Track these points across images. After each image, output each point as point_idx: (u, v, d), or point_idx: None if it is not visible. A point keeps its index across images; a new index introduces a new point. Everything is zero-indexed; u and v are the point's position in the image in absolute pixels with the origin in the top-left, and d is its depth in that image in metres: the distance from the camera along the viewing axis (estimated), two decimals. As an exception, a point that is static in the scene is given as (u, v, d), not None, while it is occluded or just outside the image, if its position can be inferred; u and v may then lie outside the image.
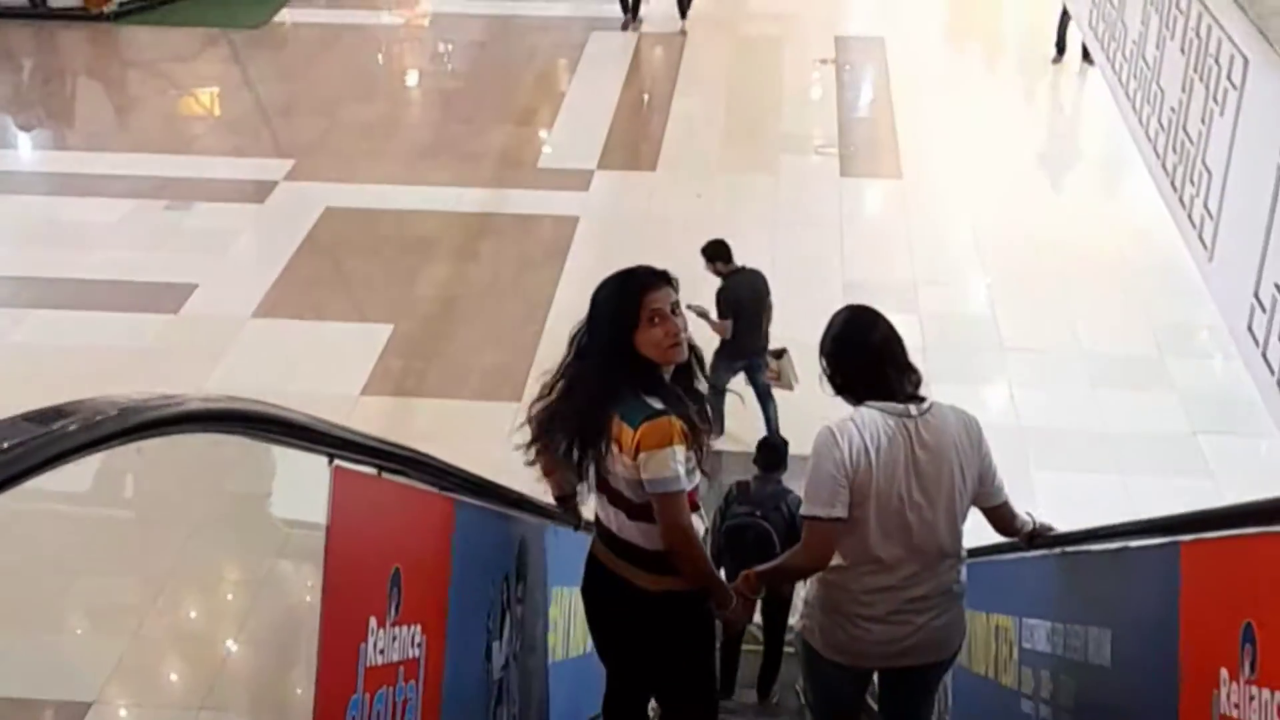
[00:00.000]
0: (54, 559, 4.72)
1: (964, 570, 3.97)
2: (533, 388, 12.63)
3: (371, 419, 9.99)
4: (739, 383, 9.85)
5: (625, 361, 3.62)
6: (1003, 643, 5.15)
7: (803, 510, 3.71)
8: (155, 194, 14.54)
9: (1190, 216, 7.42)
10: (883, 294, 12.67)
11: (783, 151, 16.07)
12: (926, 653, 3.90)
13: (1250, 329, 6.87)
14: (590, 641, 5.49)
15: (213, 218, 14.17)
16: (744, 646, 7.63)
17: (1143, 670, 3.44)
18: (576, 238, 13.98)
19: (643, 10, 19.63)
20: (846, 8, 21.37)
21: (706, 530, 3.84)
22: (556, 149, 16.46)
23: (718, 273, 9.84)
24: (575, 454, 3.62)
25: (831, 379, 3.84)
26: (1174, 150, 8.09)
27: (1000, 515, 4.04)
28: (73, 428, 1.75)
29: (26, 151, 16.85)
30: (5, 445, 1.63)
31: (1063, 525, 4.50)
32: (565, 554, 5.24)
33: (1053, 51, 18.02)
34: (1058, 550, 4.46)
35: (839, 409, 3.87)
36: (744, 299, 9.85)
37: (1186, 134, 7.59)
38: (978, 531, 4.71)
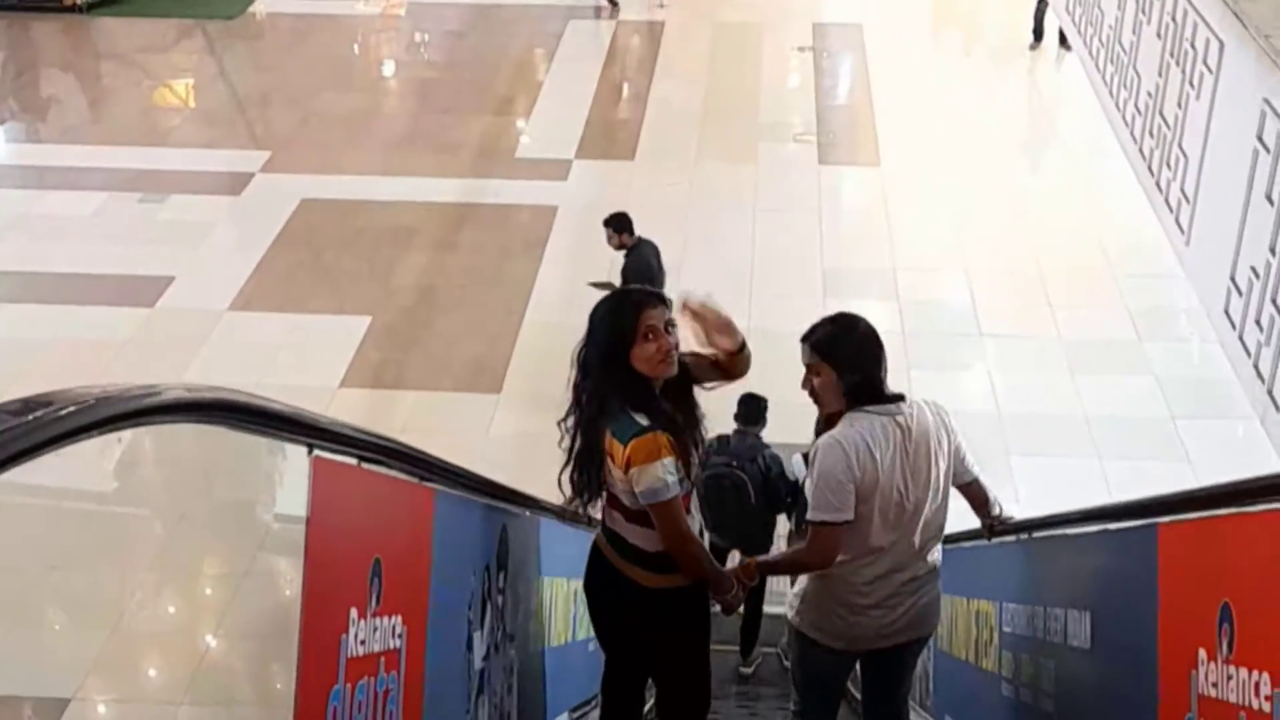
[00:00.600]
0: (32, 552, 4.70)
1: (940, 548, 4.18)
2: (512, 379, 12.64)
3: (351, 411, 9.96)
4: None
5: (620, 377, 3.79)
6: (983, 627, 5.17)
7: (812, 516, 3.88)
8: (130, 186, 14.47)
9: (1167, 200, 7.45)
10: (862, 281, 12.72)
11: (761, 139, 16.08)
12: (913, 630, 4.15)
13: (1227, 312, 6.90)
14: (574, 630, 5.51)
15: (188, 210, 14.11)
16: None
17: (1122, 652, 3.45)
18: (555, 227, 13.97)
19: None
20: (824, -6, 21.41)
21: (701, 530, 3.97)
22: (534, 138, 16.43)
23: (622, 244, 10.03)
24: (575, 466, 3.89)
25: (855, 388, 3.94)
26: (1150, 135, 8.12)
27: (973, 491, 4.29)
28: (50, 418, 1.74)
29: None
30: (-18, 436, 1.61)
31: (1040, 510, 4.51)
32: (549, 544, 5.24)
33: (1030, 38, 18.06)
34: (1037, 535, 4.47)
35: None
36: (654, 267, 10.03)
37: (1163, 118, 7.62)
38: (956, 519, 4.77)
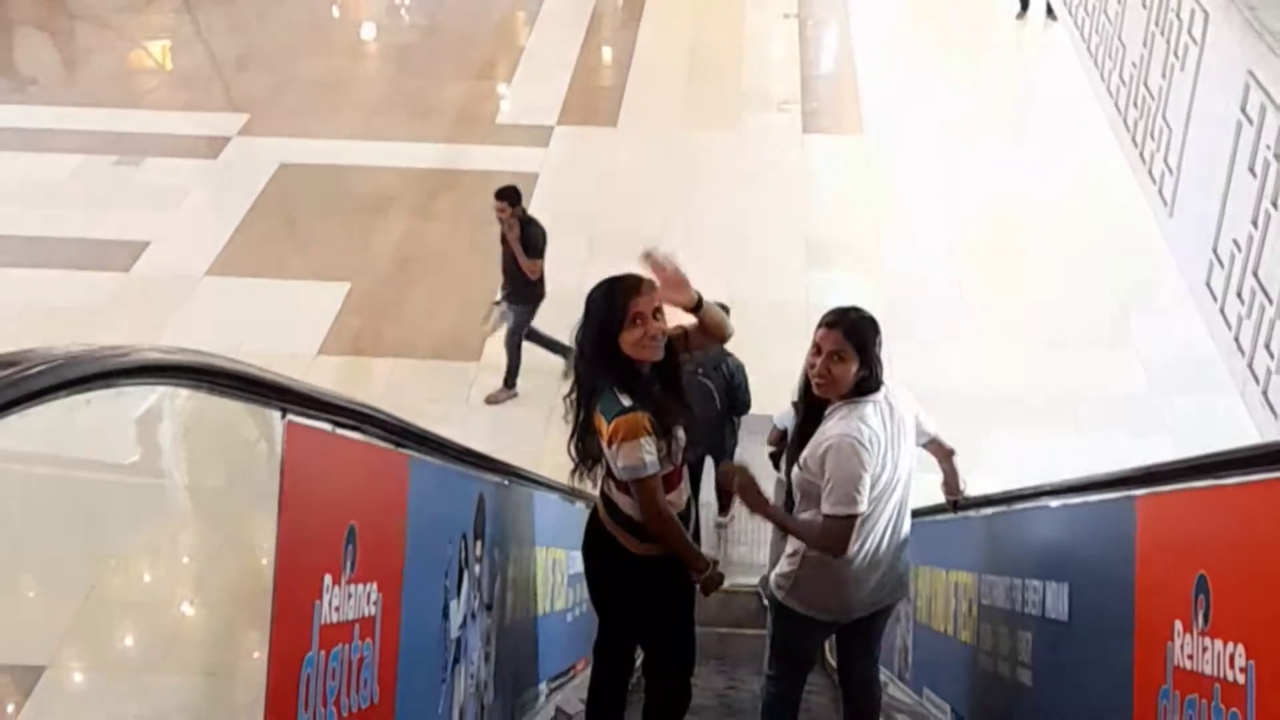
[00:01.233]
0: (2, 518, 4.65)
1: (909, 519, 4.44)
2: (493, 344, 12.58)
3: (328, 377, 9.92)
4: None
5: (609, 360, 4.00)
6: (963, 599, 5.18)
7: (831, 510, 4.03)
8: (105, 149, 14.33)
9: (1151, 172, 7.46)
10: (844, 252, 12.70)
11: (744, 107, 16.03)
12: (890, 597, 4.49)
13: (1209, 285, 6.94)
14: (552, 601, 5.51)
15: (164, 174, 13.99)
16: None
17: (1099, 624, 3.46)
18: (536, 194, 13.90)
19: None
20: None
21: (689, 500, 4.31)
22: (515, 104, 16.35)
23: (515, 216, 10.00)
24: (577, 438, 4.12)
25: (866, 379, 4.12)
26: (1135, 106, 8.12)
27: (935, 447, 4.59)
28: (16, 378, 1.70)
29: (-28, 106, 16.59)
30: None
31: (1019, 483, 4.51)
32: (527, 513, 5.23)
33: (1017, 7, 18.03)
34: (1016, 507, 4.48)
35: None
36: (544, 242, 10.15)
37: (1147, 89, 7.62)
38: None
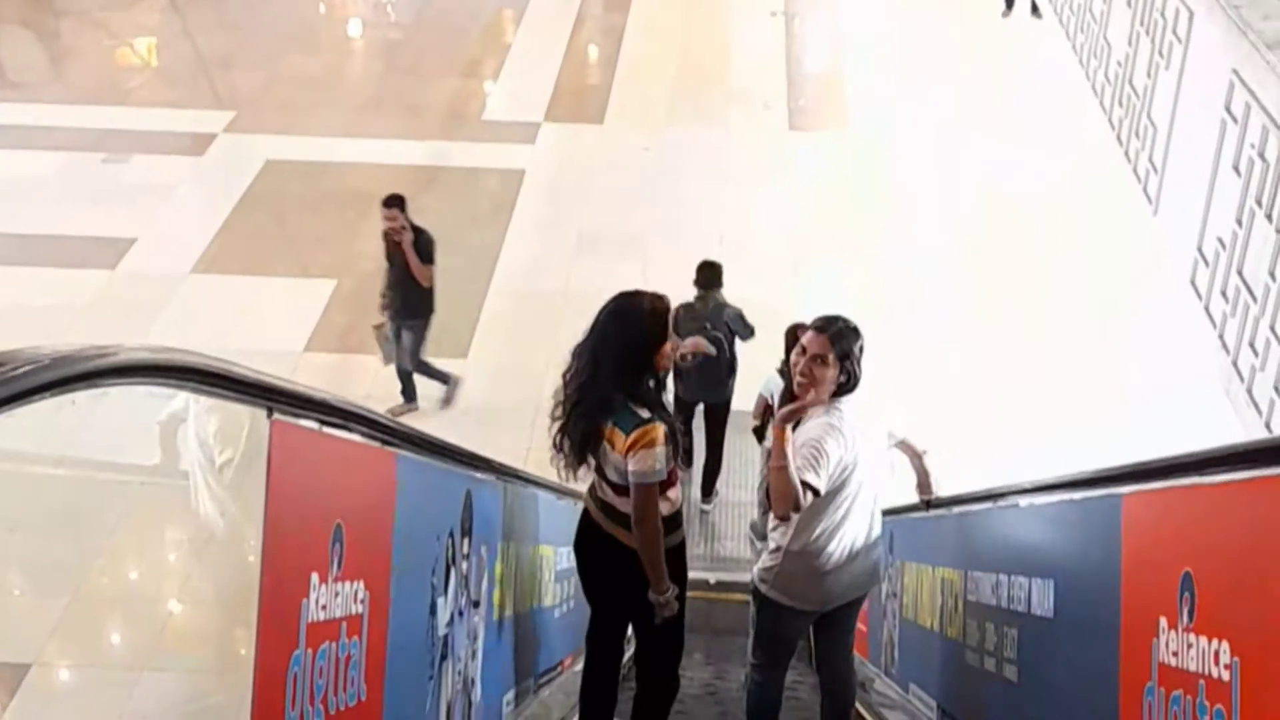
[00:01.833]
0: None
1: (881, 515, 4.78)
2: (478, 345, 12.54)
3: (315, 376, 9.90)
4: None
5: (642, 371, 4.35)
6: (948, 595, 5.19)
7: (793, 465, 4.24)
8: (91, 147, 14.29)
9: (1136, 170, 7.49)
10: (831, 248, 12.72)
11: (731, 104, 16.03)
12: (863, 588, 4.86)
13: (1193, 283, 6.96)
14: (540, 597, 5.51)
15: (150, 171, 13.95)
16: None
17: (1085, 620, 3.47)
18: (523, 192, 13.90)
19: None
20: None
21: (682, 501, 4.58)
22: (502, 101, 16.34)
23: (403, 227, 9.66)
24: (576, 452, 4.36)
25: (846, 383, 4.45)
26: (1120, 104, 8.14)
27: (907, 448, 4.90)
28: (5, 377, 1.70)
29: (-43, 103, 16.53)
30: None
31: (1006, 479, 4.52)
32: (515, 510, 5.23)
33: (1002, 5, 18.04)
34: (1005, 504, 4.49)
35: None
36: (434, 250, 9.89)
37: (1132, 88, 7.64)
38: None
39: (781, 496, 4.27)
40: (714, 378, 8.87)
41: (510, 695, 4.97)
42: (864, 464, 4.47)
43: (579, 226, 13.08)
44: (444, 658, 3.78)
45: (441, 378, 10.23)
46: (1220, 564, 2.64)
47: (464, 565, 4.03)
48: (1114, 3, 8.23)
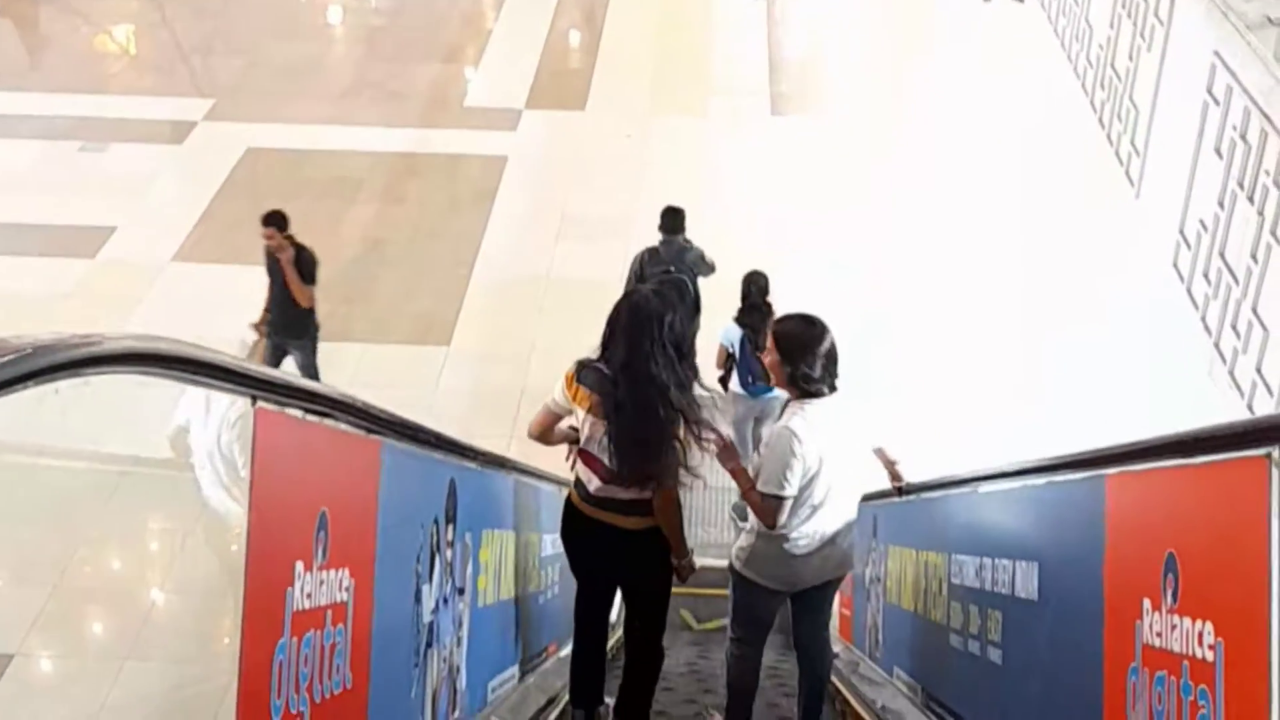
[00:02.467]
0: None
1: (854, 505, 5.06)
2: (461, 332, 12.45)
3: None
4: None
5: (689, 360, 4.70)
6: (933, 579, 5.20)
7: (762, 488, 4.71)
8: (69, 135, 14.23)
9: (1118, 153, 7.50)
10: (810, 232, 12.72)
11: (713, 89, 16.02)
12: (836, 572, 5.12)
13: (1176, 265, 6.98)
14: (525, 584, 5.51)
15: (130, 159, 13.90)
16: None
17: (1069, 602, 3.48)
18: (505, 179, 13.88)
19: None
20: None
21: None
22: (484, 88, 16.30)
23: (283, 244, 9.25)
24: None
25: (788, 375, 4.75)
26: (1102, 87, 8.15)
27: (885, 454, 5.22)
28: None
29: (-66, 92, 16.42)
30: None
31: (989, 462, 4.53)
32: (501, 498, 5.23)
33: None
34: (988, 487, 4.50)
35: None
36: (316, 268, 9.52)
37: (1114, 70, 7.65)
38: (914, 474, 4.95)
39: (761, 514, 4.76)
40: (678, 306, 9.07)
41: (496, 681, 4.98)
42: (833, 463, 4.73)
43: (562, 212, 13.07)
44: (429, 645, 3.78)
45: None
46: (1204, 545, 2.65)
47: (448, 552, 4.02)
48: (1095, -14, 8.31)
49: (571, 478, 4.93)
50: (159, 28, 17.91)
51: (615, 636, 5.98)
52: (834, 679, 6.79)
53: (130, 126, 14.51)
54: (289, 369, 9.13)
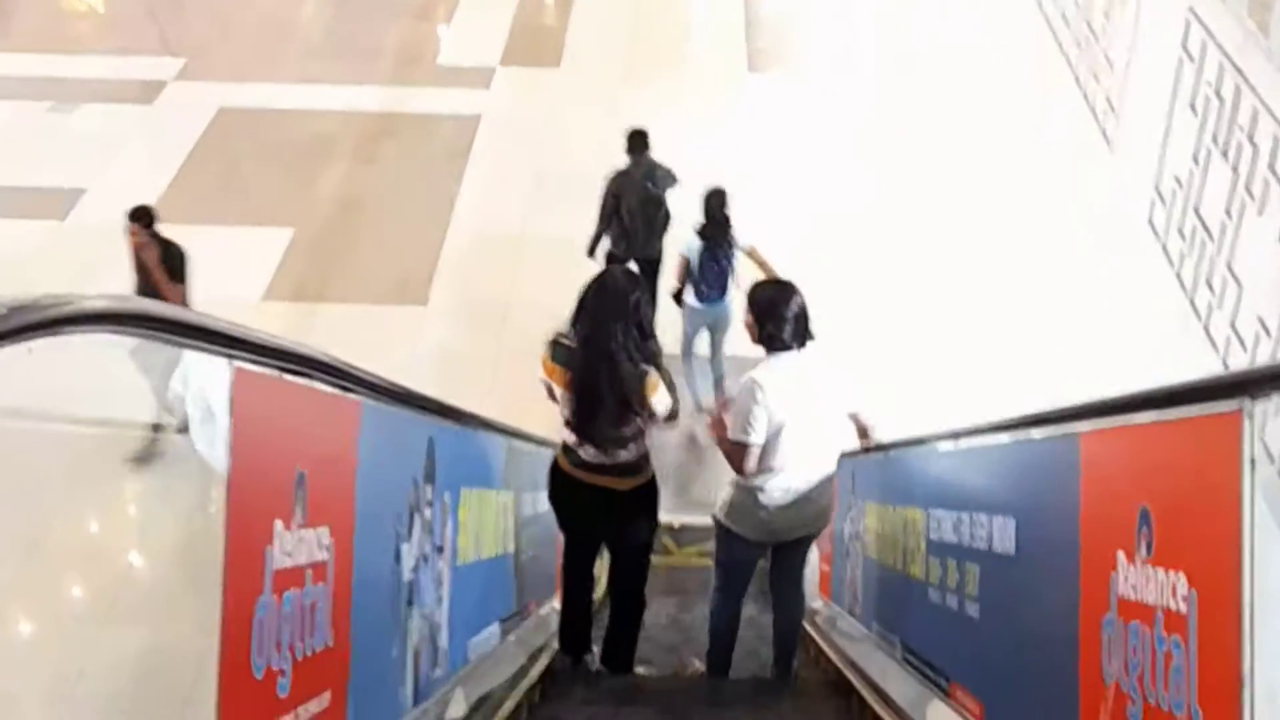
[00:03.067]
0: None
1: (832, 462, 5.47)
2: (438, 291, 12.43)
3: (274, 325, 9.78)
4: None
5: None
6: (910, 535, 5.23)
7: (730, 435, 5.18)
8: (38, 96, 14.10)
9: (1093, 109, 7.51)
10: (790, 189, 12.71)
11: (690, 45, 15.95)
12: (811, 527, 5.58)
13: (1151, 221, 7.00)
14: (503, 544, 5.53)
15: (100, 120, 13.77)
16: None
17: (1045, 556, 3.51)
18: (479, 138, 13.82)
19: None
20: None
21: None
22: (457, 45, 16.19)
23: (152, 237, 8.92)
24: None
25: (759, 332, 5.21)
26: (1079, 45, 8.15)
27: (858, 419, 5.54)
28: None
29: (-100, 53, 16.22)
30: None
31: (966, 418, 4.55)
32: (479, 458, 5.23)
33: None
34: (965, 443, 4.53)
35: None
36: (185, 265, 9.13)
37: (1090, 27, 7.64)
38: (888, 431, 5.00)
39: (731, 459, 5.24)
40: (649, 235, 9.90)
41: (477, 639, 5.00)
42: (802, 418, 5.15)
43: (536, 170, 13.02)
44: (410, 603, 3.80)
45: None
46: (1177, 498, 2.68)
47: (427, 511, 4.03)
48: (1071, -58, 8.28)
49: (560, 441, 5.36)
50: (128, -14, 17.73)
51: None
52: (814, 634, 6.86)
53: (100, 87, 14.37)
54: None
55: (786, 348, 5.15)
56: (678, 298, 9.53)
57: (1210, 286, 6.07)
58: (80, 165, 12.79)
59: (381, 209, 12.58)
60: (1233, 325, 5.78)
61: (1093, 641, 2.98)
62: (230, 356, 2.38)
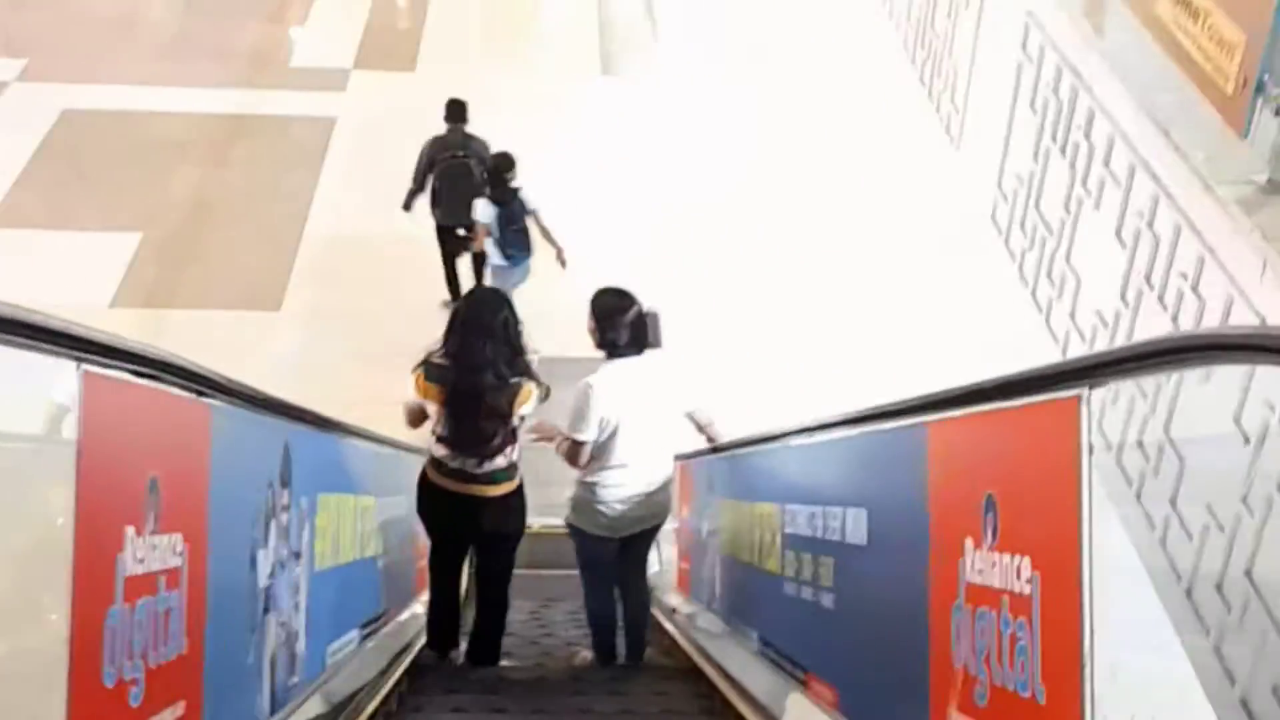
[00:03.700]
0: None
1: (671, 460, 5.90)
2: (292, 296, 12.24)
3: (123, 330, 9.56)
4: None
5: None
6: (766, 529, 5.30)
7: (566, 430, 5.58)
8: None
9: (938, 109, 7.69)
10: (639, 191, 12.79)
11: (543, 49, 15.95)
12: (652, 521, 5.94)
13: (994, 218, 7.19)
14: (361, 548, 5.48)
15: (-63, 123, 13.31)
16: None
17: (896, 546, 3.59)
18: (334, 140, 13.65)
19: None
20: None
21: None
22: (310, 47, 15.97)
23: None
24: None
25: (599, 338, 5.59)
26: (923, 46, 8.33)
27: (696, 419, 5.90)
28: None
29: None
30: None
31: (819, 413, 4.64)
32: (335, 461, 5.18)
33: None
34: (817, 438, 4.61)
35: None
36: None
37: (934, 30, 7.82)
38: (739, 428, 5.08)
39: (567, 456, 5.65)
40: (466, 197, 10.12)
41: (335, 645, 4.95)
42: (637, 419, 5.52)
43: (392, 173, 12.90)
44: (266, 610, 3.75)
45: None
46: (1021, 484, 2.76)
47: (284, 517, 3.98)
48: (916, -53, 8.52)
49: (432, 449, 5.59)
50: (-37, -17, 17.13)
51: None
52: (674, 630, 6.92)
53: (-65, 88, 13.90)
54: None
55: (624, 354, 5.54)
56: (478, 262, 10.33)
57: (1051, 280, 6.24)
58: (-84, 169, 12.35)
59: (234, 213, 12.35)
60: (1072, 317, 5.97)
61: (943, 626, 3.06)
62: (79, 359, 2.33)
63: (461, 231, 10.45)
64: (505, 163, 10.00)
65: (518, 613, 6.82)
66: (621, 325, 5.53)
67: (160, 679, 2.70)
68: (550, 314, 7.85)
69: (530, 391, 5.41)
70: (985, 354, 9.46)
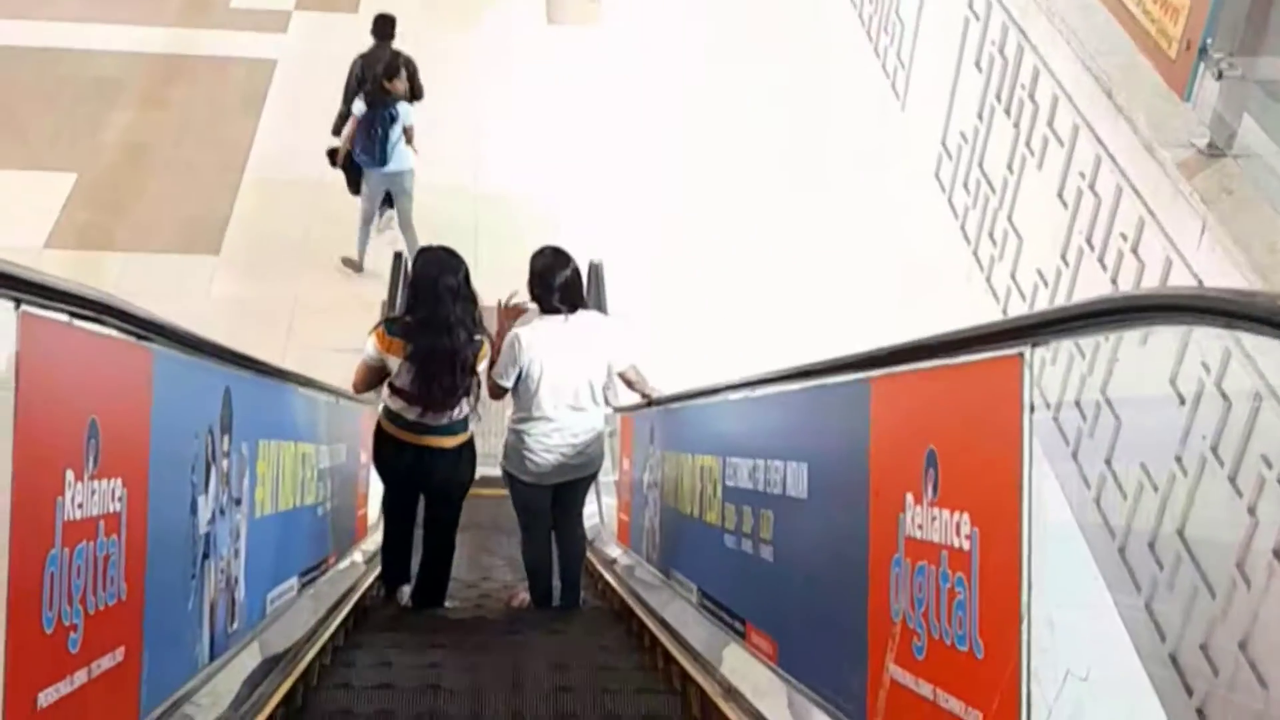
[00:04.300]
0: None
1: (604, 416, 6.17)
2: (231, 240, 12.14)
3: (58, 273, 9.45)
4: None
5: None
6: (707, 482, 5.33)
7: (492, 373, 5.88)
8: None
9: (884, 66, 7.69)
10: (586, 143, 12.73)
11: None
12: (583, 470, 6.16)
13: (938, 176, 7.23)
14: (302, 495, 5.46)
15: None
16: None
17: (836, 500, 3.62)
18: (274, 83, 13.47)
19: None
20: None
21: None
22: (251, -13, 15.70)
23: None
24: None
25: (531, 294, 5.86)
26: (870, 1, 8.33)
27: (626, 376, 6.17)
28: None
29: None
30: None
31: (763, 368, 4.66)
32: (277, 408, 5.14)
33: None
34: (761, 391, 4.63)
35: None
36: None
37: (881, -15, 7.80)
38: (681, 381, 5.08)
39: (490, 393, 6.03)
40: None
41: (275, 593, 4.93)
42: (562, 372, 5.78)
43: (333, 116, 12.75)
44: (206, 556, 3.73)
45: None
46: (962, 440, 2.79)
47: (224, 463, 3.96)
48: (864, -98, 8.50)
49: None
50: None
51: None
52: (613, 581, 6.95)
53: None
54: None
55: (556, 311, 5.79)
56: (333, 155, 10.51)
57: (993, 239, 6.28)
58: None
59: (171, 154, 12.17)
60: (1013, 276, 6.03)
61: (881, 580, 3.09)
62: (16, 300, 2.29)
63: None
64: (386, 69, 10.29)
65: (456, 559, 6.85)
66: (553, 285, 5.77)
67: (99, 625, 2.69)
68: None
69: (486, 347, 5.82)
70: (928, 312, 9.55)
